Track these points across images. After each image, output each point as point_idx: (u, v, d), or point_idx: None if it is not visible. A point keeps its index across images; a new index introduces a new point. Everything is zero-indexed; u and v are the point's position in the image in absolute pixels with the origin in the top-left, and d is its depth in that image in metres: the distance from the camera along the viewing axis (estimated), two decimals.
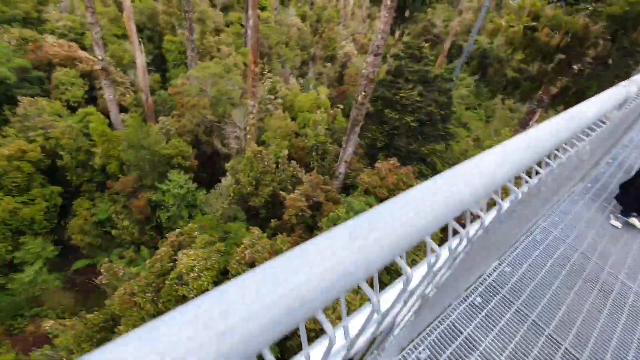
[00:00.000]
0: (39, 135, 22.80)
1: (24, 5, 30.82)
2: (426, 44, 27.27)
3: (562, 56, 14.72)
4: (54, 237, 23.44)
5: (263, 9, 51.72)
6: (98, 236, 23.49)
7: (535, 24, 13.33)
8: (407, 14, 17.40)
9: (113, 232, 23.07)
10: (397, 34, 52.38)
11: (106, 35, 34.14)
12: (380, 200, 19.36)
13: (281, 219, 19.46)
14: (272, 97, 31.14)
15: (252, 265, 14.25)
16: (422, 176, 24.82)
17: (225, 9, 48.84)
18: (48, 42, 27.42)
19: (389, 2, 16.41)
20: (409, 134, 24.16)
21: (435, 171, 26.76)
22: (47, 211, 22.45)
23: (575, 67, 15.36)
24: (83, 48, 30.78)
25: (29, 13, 30.86)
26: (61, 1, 33.59)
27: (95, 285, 20.15)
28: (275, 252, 15.22)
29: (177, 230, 15.43)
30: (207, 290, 11.50)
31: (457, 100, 43.24)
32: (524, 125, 13.57)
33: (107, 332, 14.90)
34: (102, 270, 16.23)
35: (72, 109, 26.97)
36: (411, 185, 20.11)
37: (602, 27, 13.87)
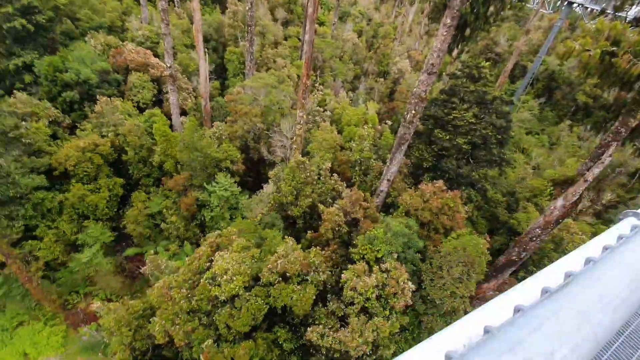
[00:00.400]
0: (110, 131, 25.36)
1: (111, 14, 34.89)
2: (486, 63, 25.95)
3: None
4: (112, 224, 25.71)
5: (322, 24, 53.25)
6: (149, 227, 25.29)
7: (614, 49, 11.98)
8: (467, 32, 16.66)
9: (162, 225, 24.69)
10: (455, 51, 50.68)
11: (177, 44, 37.35)
12: (421, 224, 18.46)
13: (317, 231, 19.38)
14: (321, 109, 31.58)
15: (283, 275, 14.27)
16: (471, 202, 23.31)
17: (285, 23, 51.09)
18: (127, 49, 30.63)
19: (448, 21, 15.87)
20: (459, 157, 22.91)
21: (485, 198, 25.01)
22: (109, 200, 24.69)
23: None
24: (156, 55, 33.91)
25: (114, 22, 34.85)
26: (142, 13, 37.53)
27: (142, 273, 21.63)
28: (308, 265, 15.10)
29: (217, 232, 16.02)
30: (238, 294, 11.51)
31: (517, 124, 40.34)
32: (594, 158, 12.07)
33: (144, 319, 15.77)
34: (147, 261, 17.29)
35: (141, 110, 29.74)
36: (457, 211, 18.94)
37: None
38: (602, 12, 19.79)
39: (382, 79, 45.23)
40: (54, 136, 25.51)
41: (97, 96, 26.51)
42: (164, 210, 24.70)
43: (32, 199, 21.50)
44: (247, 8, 32.49)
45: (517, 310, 1.59)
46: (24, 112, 20.76)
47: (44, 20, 26.20)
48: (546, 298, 1.65)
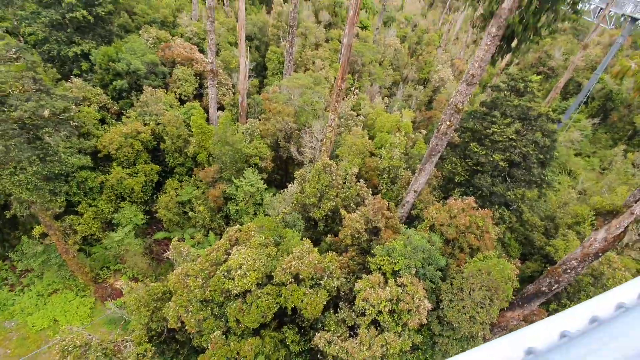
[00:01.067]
0: (152, 120, 26.79)
1: (165, 10, 36.94)
2: (537, 77, 24.34)
3: None
4: (146, 207, 27.14)
5: (365, 27, 52.92)
6: (178, 214, 26.40)
7: None
8: (514, 43, 15.71)
9: (190, 214, 25.67)
10: (503, 63, 48.18)
11: (222, 42, 38.79)
12: (446, 240, 17.64)
13: (338, 236, 19.16)
14: (355, 113, 31.31)
15: (296, 276, 14.23)
16: (503, 222, 21.95)
17: (329, 26, 51.36)
18: (176, 44, 32.23)
19: (494, 30, 15.05)
20: (494, 174, 21.67)
21: (521, 220, 23.47)
22: (145, 184, 26.08)
23: None
24: (201, 51, 35.42)
25: (167, 17, 36.87)
26: (193, 10, 39.40)
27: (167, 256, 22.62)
28: (322, 269, 14.95)
29: (237, 227, 16.31)
30: (250, 290, 11.61)
31: (565, 144, 37.58)
32: None
33: (162, 302, 16.42)
34: (170, 246, 18.00)
35: (182, 102, 31.18)
36: (487, 231, 17.89)
37: None
38: None
39: (421, 87, 44.06)
40: (102, 121, 27.41)
41: (144, 86, 28.10)
42: (193, 199, 25.67)
43: (77, 177, 23.20)
44: (290, 9, 32.99)
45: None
46: (77, 97, 22.48)
47: (103, 13, 28.25)
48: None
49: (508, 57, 17.43)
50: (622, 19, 38.55)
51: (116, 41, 29.78)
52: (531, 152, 20.29)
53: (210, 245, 23.42)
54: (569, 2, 14.19)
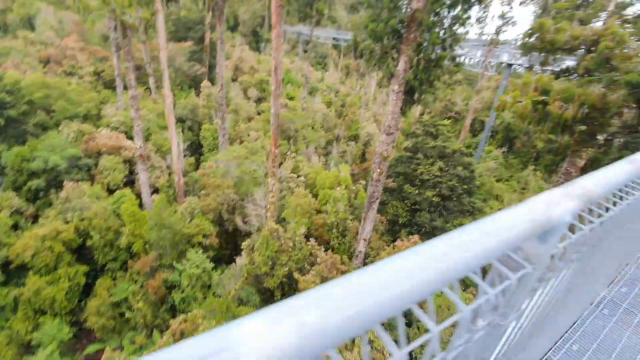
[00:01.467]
0: (75, 216, 24.42)
1: (88, 104, 36.38)
2: (448, 121, 27.87)
3: (582, 127, 14.07)
4: (72, 317, 23.25)
5: (292, 98, 57.25)
6: (113, 318, 22.95)
7: (544, 98, 13.14)
8: (415, 96, 18.11)
9: (128, 314, 22.52)
10: (417, 113, 54.80)
11: (152, 127, 38.64)
12: None
13: None
14: (295, 175, 32.11)
15: None
16: None
17: (258, 100, 54.66)
18: (101, 135, 31.30)
19: (396, 87, 17.31)
20: (431, 210, 23.12)
21: None
22: (69, 291, 22.69)
23: (600, 137, 14.50)
24: (130, 138, 34.67)
25: (90, 110, 36.21)
26: (119, 100, 39.41)
27: None
28: None
29: (182, 317, 14.64)
30: None
31: (486, 173, 42.12)
32: None
33: None
34: None
35: (111, 191, 29.25)
36: None
37: (622, 95, 13.35)
38: (530, 68, 22.37)
39: (353, 143, 47.43)
40: (15, 226, 24.33)
41: (65, 181, 26.11)
42: (130, 296, 22.77)
43: None
44: (218, 90, 34.75)
45: None
46: None
47: (16, 114, 26.84)
48: None
49: (418, 108, 20.00)
50: (502, 66, 47.47)
51: (31, 140, 28.00)
52: (456, 184, 22.30)
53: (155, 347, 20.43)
54: (449, 58, 17.14)
